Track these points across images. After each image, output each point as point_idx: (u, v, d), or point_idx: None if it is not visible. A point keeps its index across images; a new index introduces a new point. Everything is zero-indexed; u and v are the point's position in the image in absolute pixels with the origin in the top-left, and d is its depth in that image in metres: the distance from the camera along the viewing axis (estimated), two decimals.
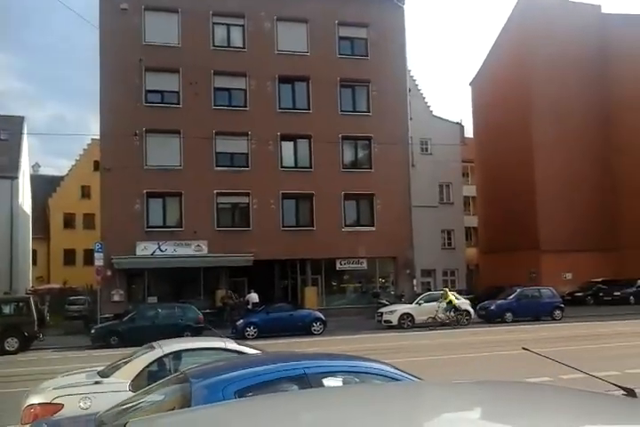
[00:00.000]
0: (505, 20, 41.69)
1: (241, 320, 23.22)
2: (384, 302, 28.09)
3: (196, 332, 21.56)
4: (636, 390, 2.61)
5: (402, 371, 4.19)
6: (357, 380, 4.10)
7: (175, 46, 28.27)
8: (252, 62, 28.79)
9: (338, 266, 30.11)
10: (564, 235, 35.87)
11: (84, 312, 29.86)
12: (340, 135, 29.76)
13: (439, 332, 22.26)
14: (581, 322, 24.00)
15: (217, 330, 22.98)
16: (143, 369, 6.33)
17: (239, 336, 22.08)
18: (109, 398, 5.26)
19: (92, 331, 21.95)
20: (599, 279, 34.98)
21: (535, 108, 37.26)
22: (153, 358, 6.41)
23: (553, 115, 36.73)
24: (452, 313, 24.53)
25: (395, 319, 24.40)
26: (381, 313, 25.11)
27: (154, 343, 6.86)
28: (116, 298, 26.59)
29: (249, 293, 27.46)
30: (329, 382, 3.98)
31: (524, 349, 3.65)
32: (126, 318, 22.04)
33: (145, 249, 26.90)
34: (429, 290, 34.68)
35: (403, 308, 25.04)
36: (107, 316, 24.25)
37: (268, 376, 3.87)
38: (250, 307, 26.32)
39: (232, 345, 6.34)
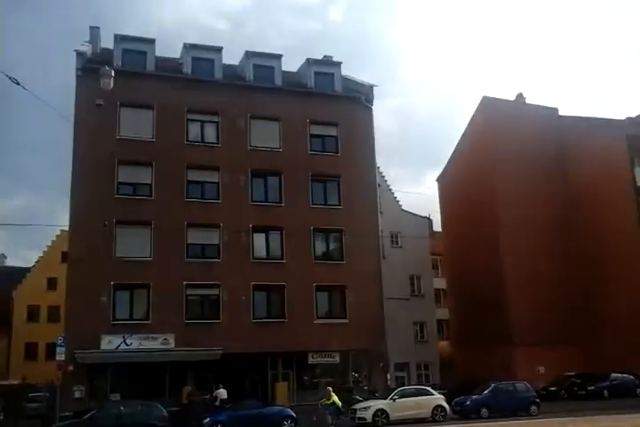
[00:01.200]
0: (468, 119, 44.05)
1: (207, 419, 22.23)
2: (358, 397, 27.22)
3: None
4: None
5: None
6: None
7: (149, 140, 29.01)
8: (226, 157, 29.60)
9: (310, 360, 29.38)
10: (536, 327, 35.84)
11: (43, 410, 28.24)
12: (312, 227, 30.20)
13: None
14: (557, 417, 23.48)
15: None
16: None
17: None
18: None
19: None
20: (573, 373, 34.62)
21: (500, 203, 38.54)
22: None
23: (517, 210, 37.97)
24: (335, 416, 23.22)
25: (369, 416, 23.58)
26: (355, 410, 24.29)
27: None
28: (77, 395, 25.33)
29: (217, 389, 26.39)
30: None
31: None
32: (87, 416, 20.91)
33: (110, 343, 26.01)
34: (403, 384, 33.92)
35: (377, 404, 24.29)
36: (66, 414, 23.03)
37: None
38: (218, 404, 25.23)
39: None
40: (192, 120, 30.21)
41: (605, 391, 31.93)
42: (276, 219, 29.61)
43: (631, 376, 32.55)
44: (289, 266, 29.33)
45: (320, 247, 30.91)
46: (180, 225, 28.05)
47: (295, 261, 29.45)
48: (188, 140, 29.81)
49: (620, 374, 32.98)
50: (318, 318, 29.51)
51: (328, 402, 23.26)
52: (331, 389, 23.93)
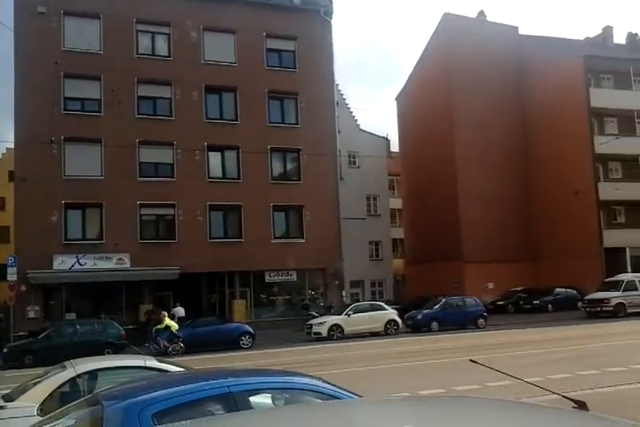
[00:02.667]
0: (428, 38, 42.95)
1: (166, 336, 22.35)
2: (314, 313, 27.90)
3: (119, 349, 20.68)
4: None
5: (334, 386, 3.98)
6: (287, 397, 3.87)
7: (96, 53, 27.34)
8: (178, 71, 28.20)
9: (267, 278, 29.77)
10: (486, 246, 37.02)
11: None
12: (269, 147, 29.58)
13: (369, 342, 22.28)
14: (503, 330, 24.65)
15: (141, 347, 22.25)
16: (54, 391, 5.82)
17: (164, 352, 21.35)
18: (14, 425, 4.78)
19: (4, 350, 20.60)
20: (519, 288, 36.27)
21: (457, 123, 38.45)
22: (64, 379, 5.91)
23: (475, 130, 38.00)
24: (166, 341, 21.57)
25: (324, 331, 24.27)
26: (311, 325, 24.94)
27: (66, 363, 6.35)
28: (32, 315, 25.16)
29: (174, 307, 26.61)
30: (257, 400, 3.72)
31: (471, 361, 3.55)
32: (42, 335, 20.82)
33: (63, 263, 25.62)
34: (358, 301, 34.88)
35: (332, 319, 24.94)
36: (21, 334, 22.95)
37: (190, 397, 3.56)
38: (176, 322, 25.45)
39: (153, 363, 5.93)
40: (142, 31, 28.47)
41: (550, 305, 33.64)
42: (231, 137, 28.80)
43: (574, 291, 34.20)
44: (245, 186, 28.91)
45: (277, 167, 30.46)
46: (132, 142, 27.04)
47: (252, 180, 29.01)
48: (138, 53, 28.21)
49: (563, 289, 34.70)
50: (275, 237, 29.60)
51: (161, 327, 21.74)
52: (165, 313, 22.32)
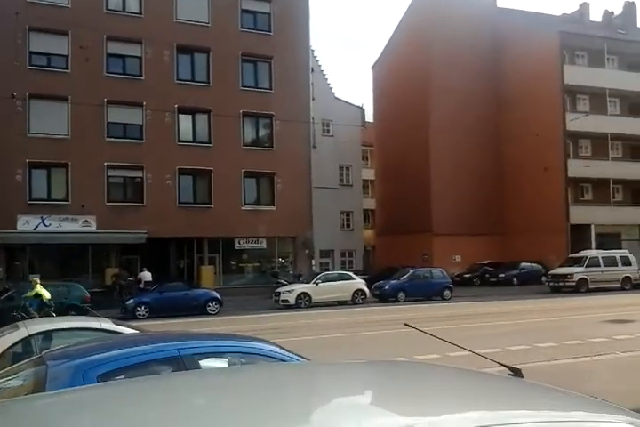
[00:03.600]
0: (406, 7, 42.33)
1: (131, 300, 22.25)
2: (282, 281, 27.93)
3: (82, 312, 20.40)
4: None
5: (289, 351, 3.89)
6: (241, 361, 3.76)
7: (64, 6, 26.27)
8: (149, 29, 27.30)
9: (236, 245, 29.61)
10: (455, 219, 37.36)
11: None
12: (241, 111, 29.03)
13: (336, 311, 22.42)
14: (467, 302, 25.03)
15: (106, 310, 22.06)
16: (4, 351, 5.64)
17: (129, 316, 21.26)
18: None
19: None
20: (486, 262, 36.80)
21: (432, 95, 38.25)
22: (16, 339, 5.73)
23: (449, 102, 37.86)
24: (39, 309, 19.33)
25: (292, 299, 24.31)
26: (279, 293, 24.93)
27: (19, 323, 6.18)
28: None
29: (141, 271, 26.40)
30: (206, 363, 3.61)
31: (405, 325, 3.55)
32: (3, 296, 20.42)
33: (27, 223, 25.07)
34: (327, 270, 35.04)
35: (300, 287, 24.98)
36: None
37: (137, 359, 3.44)
38: (142, 286, 25.36)
39: (108, 325, 5.79)
40: None
41: (515, 279, 34.26)
42: (203, 100, 28.14)
43: (539, 265, 34.85)
44: (216, 150, 28.42)
45: (249, 132, 30.03)
46: (100, 101, 26.26)
47: (223, 145, 28.52)
48: (107, 9, 27.23)
49: (529, 264, 35.34)
50: (246, 204, 29.34)
51: (30, 295, 19.96)
52: (37, 280, 20.48)
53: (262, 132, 30.38)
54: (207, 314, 22.20)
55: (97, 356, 3.47)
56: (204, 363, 3.57)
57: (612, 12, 44.47)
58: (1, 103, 24.40)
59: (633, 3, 43.94)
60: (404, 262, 33.31)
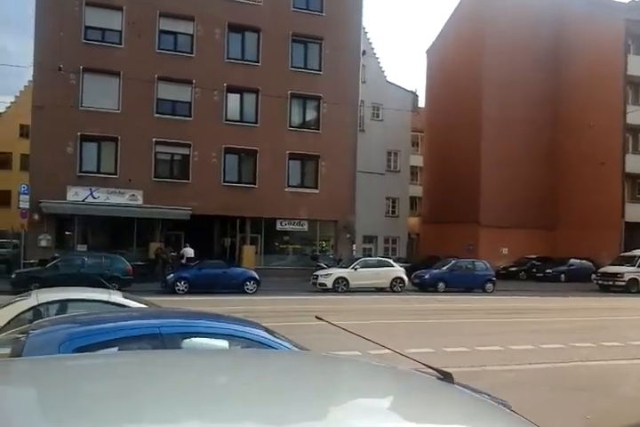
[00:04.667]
0: None
1: (172, 275, 22.60)
2: (322, 265, 27.88)
3: (123, 284, 20.90)
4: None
5: (278, 337, 3.72)
6: (224, 343, 3.60)
7: None
8: (201, 7, 27.24)
9: (278, 226, 29.66)
10: (504, 210, 36.38)
11: (9, 256, 28.58)
12: (289, 92, 28.85)
13: (370, 297, 22.22)
14: (509, 296, 24.38)
15: (148, 283, 22.55)
16: (14, 318, 5.69)
17: (169, 291, 21.69)
18: None
19: (13, 276, 20.91)
20: (534, 256, 35.80)
21: (486, 82, 37.12)
22: (25, 307, 5.78)
23: (503, 90, 36.66)
24: None
25: (329, 283, 24.21)
26: (317, 276, 24.89)
27: (33, 291, 6.23)
28: (44, 243, 25.42)
29: (184, 247, 26.76)
30: (187, 344, 3.47)
31: (317, 318, 3.44)
32: (50, 264, 21.07)
33: (76, 195, 25.69)
34: (370, 256, 34.81)
35: (338, 272, 24.85)
36: (31, 261, 23.25)
37: (115, 334, 3.35)
38: (184, 262, 25.71)
39: (116, 298, 5.77)
40: None
41: (562, 275, 33.23)
42: (252, 79, 28.06)
43: (589, 263, 33.65)
44: (262, 131, 28.38)
45: (296, 114, 29.83)
46: (151, 78, 26.51)
47: (269, 126, 28.45)
48: None
49: (578, 260, 34.16)
50: (289, 186, 29.29)
51: None
52: None
53: (309, 114, 30.14)
54: (245, 293, 22.38)
55: (76, 329, 3.40)
56: (184, 344, 3.43)
57: None
58: (58, 77, 24.91)
59: None
60: (449, 252, 32.71)
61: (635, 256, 29.02)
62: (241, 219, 28.89)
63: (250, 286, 22.89)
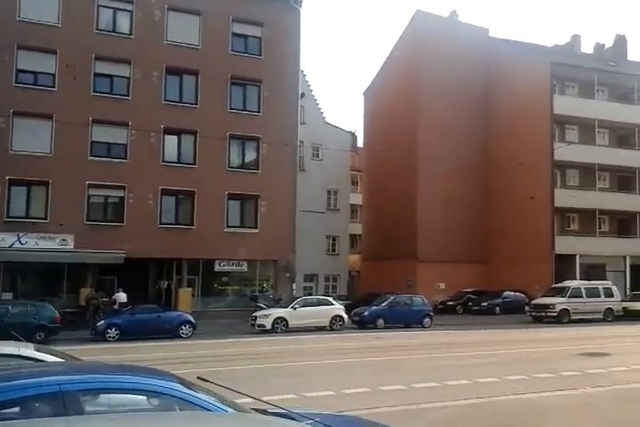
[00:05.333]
0: (399, 34, 42.83)
1: (102, 321, 21.82)
2: (262, 305, 27.57)
3: (51, 332, 20.07)
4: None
5: (193, 388, 3.66)
6: (133, 399, 3.52)
7: (54, 25, 26.29)
8: (138, 50, 27.34)
9: (217, 267, 29.26)
10: (441, 246, 37.21)
11: None
12: (228, 133, 28.98)
13: (309, 337, 22.04)
14: (447, 330, 24.69)
15: (78, 331, 21.67)
16: None
17: (100, 338, 20.91)
18: None
19: None
20: (470, 290, 36.53)
21: (422, 122, 38.43)
22: None
23: (438, 130, 38.06)
24: None
25: (268, 324, 23.93)
26: (255, 317, 24.57)
27: None
28: None
29: (117, 292, 25.99)
30: (90, 402, 3.38)
31: (199, 378, 3.50)
32: None
33: (2, 241, 24.65)
34: (311, 294, 34.70)
35: (277, 312, 24.64)
36: None
37: (13, 394, 3.20)
38: (116, 307, 24.91)
39: (28, 351, 5.50)
40: (103, 7, 27.51)
41: (497, 308, 33.96)
42: (190, 121, 28.06)
43: (523, 295, 34.56)
44: (201, 172, 28.26)
45: (236, 155, 29.89)
46: (85, 120, 26.13)
47: (208, 166, 28.37)
48: (97, 29, 27.24)
49: (512, 293, 35.06)
50: (228, 226, 29.06)
51: None
52: None
53: (248, 155, 30.25)
54: (180, 337, 21.81)
55: None
56: (86, 402, 3.33)
57: (603, 45, 45.07)
58: None
59: (624, 36, 44.59)
60: (389, 289, 33.00)
61: (565, 287, 30.05)
62: (178, 261, 28.39)
63: (185, 329, 22.34)
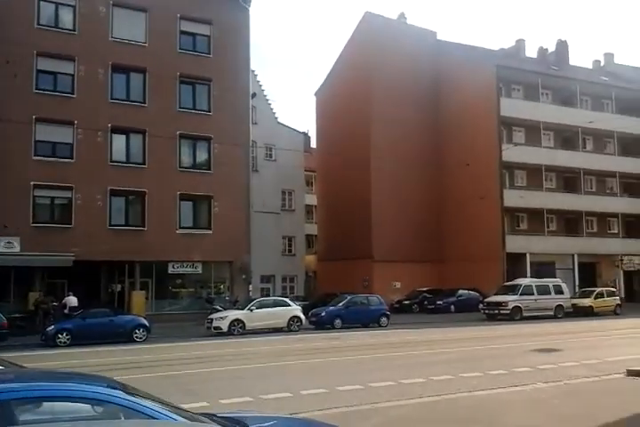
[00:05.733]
0: (349, 35, 43.00)
1: (52, 326, 21.04)
2: (218, 307, 27.11)
3: None
4: None
5: (136, 395, 3.43)
6: (69, 407, 3.27)
7: None
8: (83, 46, 26.60)
9: (170, 269, 28.68)
10: (396, 246, 37.49)
11: None
12: (178, 133, 28.45)
13: (266, 338, 21.76)
14: (403, 329, 24.79)
15: (27, 337, 20.84)
16: None
17: (50, 344, 20.19)
18: None
19: None
20: (425, 289, 36.89)
21: (374, 123, 38.67)
22: None
23: (390, 131, 38.35)
24: None
25: (225, 326, 23.52)
26: (211, 320, 24.14)
27: None
28: None
29: (67, 296, 25.14)
30: (29, 411, 3.12)
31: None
32: None
33: None
34: (268, 295, 34.41)
35: (234, 314, 24.24)
36: None
37: None
38: (67, 312, 24.10)
39: None
40: (45, 1, 26.63)
41: (452, 306, 34.40)
42: (138, 120, 27.42)
43: (476, 293, 35.13)
44: (151, 172, 27.65)
45: (186, 155, 29.35)
46: (28, 119, 25.19)
47: (158, 167, 27.79)
48: (39, 24, 26.36)
49: (466, 291, 35.58)
50: (181, 227, 28.53)
51: None
52: None
53: (200, 155, 29.73)
54: (133, 341, 21.22)
55: None
56: (18, 410, 3.06)
57: (547, 49, 46.31)
58: None
59: (565, 41, 45.89)
60: (346, 289, 33.05)
61: (516, 285, 30.65)
62: (130, 263, 27.68)
63: (139, 333, 21.75)
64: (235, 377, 12.39)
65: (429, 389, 10.42)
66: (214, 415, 4.34)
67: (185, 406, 9.10)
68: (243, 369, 13.62)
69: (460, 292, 35.47)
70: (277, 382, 11.54)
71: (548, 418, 8.12)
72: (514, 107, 37.97)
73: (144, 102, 28.01)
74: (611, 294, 33.26)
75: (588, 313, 30.89)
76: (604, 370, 12.06)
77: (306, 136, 46.79)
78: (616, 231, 41.41)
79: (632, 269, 41.00)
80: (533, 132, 39.17)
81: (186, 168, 28.91)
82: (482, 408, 8.90)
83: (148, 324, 22.18)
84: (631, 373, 11.27)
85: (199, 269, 29.36)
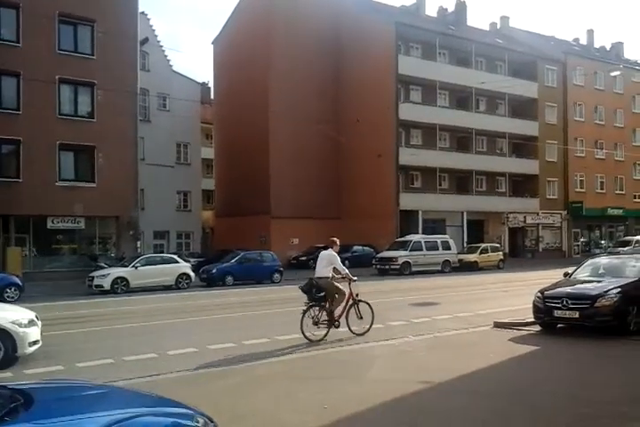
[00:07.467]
0: None
1: None
2: (102, 265, 25.84)
3: None
4: None
5: None
6: None
7: None
8: None
9: (50, 225, 27.00)
10: (294, 202, 37.28)
11: None
12: (57, 77, 26.27)
13: (149, 297, 20.99)
14: (294, 285, 24.71)
15: None
16: None
17: None
18: None
19: None
20: (321, 245, 36.86)
21: (272, 76, 37.62)
22: None
23: (289, 85, 37.47)
24: None
25: (107, 284, 22.45)
26: (92, 277, 22.96)
27: None
28: None
29: None
30: None
31: None
32: None
33: None
34: (162, 252, 33.31)
35: (117, 271, 23.17)
36: None
37: None
38: None
39: None
40: None
41: (347, 261, 34.43)
42: (11, 61, 25.06)
43: (371, 249, 35.72)
44: (26, 119, 25.51)
45: (67, 101, 27.27)
46: None
47: (35, 113, 25.66)
48: None
49: (361, 247, 36.09)
50: (61, 179, 26.72)
51: None
52: None
53: (82, 102, 27.68)
54: (4, 301, 19.75)
55: None
56: None
57: (446, 9, 46.60)
58: None
59: (464, 2, 46.26)
60: (243, 245, 32.51)
61: (407, 241, 31.42)
62: (3, 217, 25.71)
63: (10, 293, 20.26)
64: (101, 339, 11.73)
65: (305, 344, 10.30)
66: (5, 387, 3.81)
67: (38, 371, 8.44)
68: (111, 330, 12.95)
69: (355, 248, 35.92)
70: (145, 343, 10.99)
71: (410, 371, 8.16)
72: (412, 65, 38.05)
73: (17, 42, 25.59)
74: (495, 250, 34.93)
75: (473, 268, 32.32)
76: (473, 322, 12.44)
77: (205, 87, 45.03)
78: (503, 190, 43.24)
79: (517, 226, 43.26)
80: (430, 91, 39.58)
81: (66, 115, 26.86)
82: (352, 362, 8.85)
83: (20, 282, 20.75)
84: (497, 324, 11.67)
85: (82, 225, 27.85)
